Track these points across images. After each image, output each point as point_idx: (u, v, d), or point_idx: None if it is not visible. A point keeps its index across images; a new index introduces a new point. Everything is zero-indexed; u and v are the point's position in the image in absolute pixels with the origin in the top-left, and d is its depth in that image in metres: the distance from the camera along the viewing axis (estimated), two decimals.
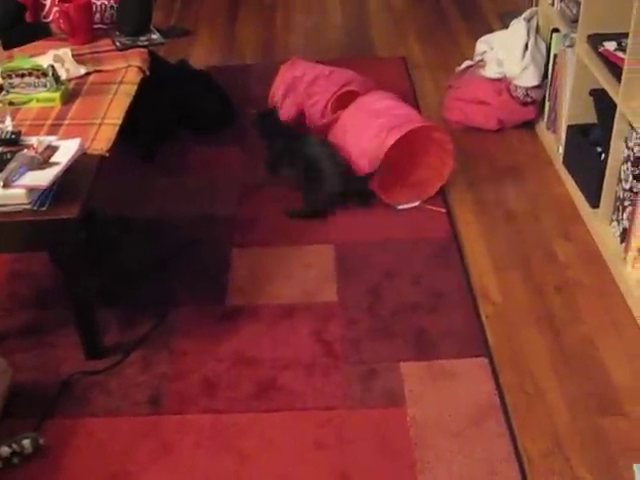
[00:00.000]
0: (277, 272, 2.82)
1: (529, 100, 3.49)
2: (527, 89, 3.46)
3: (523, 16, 3.54)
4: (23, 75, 2.77)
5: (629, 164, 2.64)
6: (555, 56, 3.34)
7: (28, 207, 2.20)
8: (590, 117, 3.07)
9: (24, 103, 2.79)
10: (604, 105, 2.85)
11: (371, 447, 2.17)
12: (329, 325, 2.58)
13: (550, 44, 3.39)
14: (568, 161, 3.21)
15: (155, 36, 3.29)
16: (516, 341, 2.50)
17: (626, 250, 2.67)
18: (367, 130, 3.08)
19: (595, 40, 2.90)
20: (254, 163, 3.34)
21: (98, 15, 3.29)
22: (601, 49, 2.85)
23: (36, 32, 3.25)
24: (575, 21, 3.06)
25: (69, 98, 2.82)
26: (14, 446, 2.14)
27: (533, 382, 2.35)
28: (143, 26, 3.29)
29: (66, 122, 2.69)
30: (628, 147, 2.65)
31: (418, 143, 3.13)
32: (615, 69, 2.71)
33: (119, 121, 2.68)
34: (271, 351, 2.50)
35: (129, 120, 2.73)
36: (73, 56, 3.00)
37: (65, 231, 2.25)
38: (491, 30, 3.94)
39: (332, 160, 3.06)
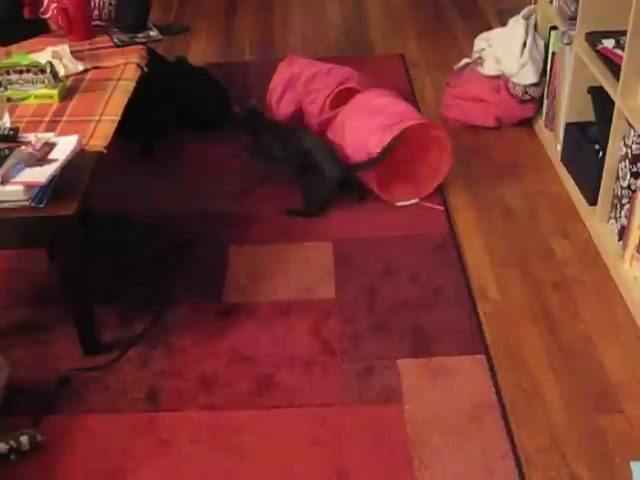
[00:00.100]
0: (275, 269, 2.83)
1: (527, 98, 3.49)
2: (525, 87, 3.46)
3: (521, 14, 3.54)
4: (21, 71, 2.76)
5: (627, 162, 2.64)
6: (553, 54, 3.34)
7: (26, 203, 2.20)
8: (588, 115, 3.06)
9: (22, 99, 2.78)
10: (602, 103, 2.85)
11: (368, 444, 2.17)
12: (327, 322, 2.59)
13: (548, 42, 3.39)
14: (566, 159, 3.21)
15: (153, 33, 3.28)
16: (514, 338, 2.50)
17: (624, 248, 2.67)
18: (365, 127, 3.08)
19: (594, 38, 2.90)
20: (252, 160, 3.34)
21: (96, 12, 3.28)
22: (599, 47, 2.85)
23: (34, 28, 3.24)
24: (573, 19, 3.06)
25: (67, 95, 2.82)
26: (12, 442, 2.14)
27: (530, 379, 2.36)
28: (141, 23, 3.29)
29: (64, 119, 2.68)
30: (626, 145, 2.65)
31: (416, 140, 3.13)
32: (613, 67, 2.71)
33: (117, 118, 2.67)
34: (269, 348, 2.50)
35: (127, 117, 2.73)
36: (71, 53, 3.00)
37: (63, 228, 2.25)
38: (489, 28, 3.94)
39: (326, 149, 3.07)
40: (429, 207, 3.10)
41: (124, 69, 2.99)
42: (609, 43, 2.83)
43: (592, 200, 2.93)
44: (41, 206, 2.20)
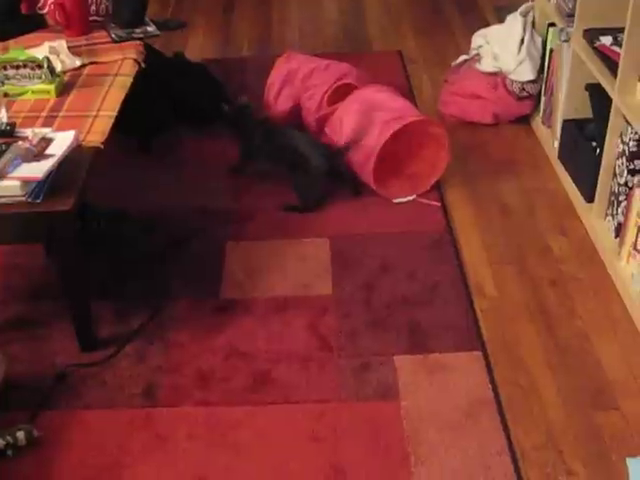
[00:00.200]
0: (272, 265, 2.82)
1: (525, 95, 3.49)
2: (523, 84, 3.46)
3: (519, 10, 3.54)
4: (18, 67, 2.76)
5: (624, 159, 2.65)
6: (551, 51, 3.34)
7: (23, 199, 2.19)
8: (586, 112, 3.07)
9: (19, 95, 2.78)
10: (600, 100, 2.85)
11: (365, 440, 2.17)
12: (324, 318, 2.59)
13: (546, 39, 3.39)
14: (563, 156, 3.22)
15: (151, 28, 3.28)
16: (510, 335, 2.51)
17: (621, 245, 2.67)
18: (363, 122, 3.07)
19: (591, 35, 2.90)
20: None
21: (93, 7, 3.28)
22: (597, 44, 2.85)
23: (31, 24, 3.24)
24: (571, 16, 3.06)
25: (64, 90, 2.81)
26: (8, 438, 2.14)
27: (527, 376, 2.36)
28: (138, 18, 3.28)
29: (61, 114, 2.68)
30: (623, 142, 2.65)
31: (414, 137, 3.13)
32: (611, 64, 2.71)
33: (114, 113, 2.67)
34: (265, 344, 2.50)
35: (125, 113, 2.72)
36: (68, 48, 3.00)
37: (60, 223, 2.25)
38: (487, 24, 3.93)
39: (310, 142, 3.08)
40: (426, 203, 3.10)
41: (121, 64, 2.98)
42: (607, 40, 2.83)
43: (589, 197, 2.93)
44: (38, 201, 2.20)
